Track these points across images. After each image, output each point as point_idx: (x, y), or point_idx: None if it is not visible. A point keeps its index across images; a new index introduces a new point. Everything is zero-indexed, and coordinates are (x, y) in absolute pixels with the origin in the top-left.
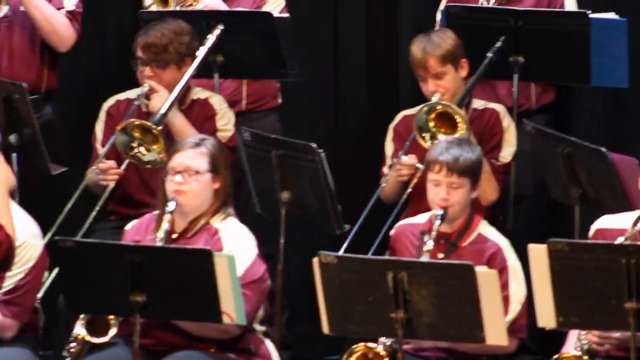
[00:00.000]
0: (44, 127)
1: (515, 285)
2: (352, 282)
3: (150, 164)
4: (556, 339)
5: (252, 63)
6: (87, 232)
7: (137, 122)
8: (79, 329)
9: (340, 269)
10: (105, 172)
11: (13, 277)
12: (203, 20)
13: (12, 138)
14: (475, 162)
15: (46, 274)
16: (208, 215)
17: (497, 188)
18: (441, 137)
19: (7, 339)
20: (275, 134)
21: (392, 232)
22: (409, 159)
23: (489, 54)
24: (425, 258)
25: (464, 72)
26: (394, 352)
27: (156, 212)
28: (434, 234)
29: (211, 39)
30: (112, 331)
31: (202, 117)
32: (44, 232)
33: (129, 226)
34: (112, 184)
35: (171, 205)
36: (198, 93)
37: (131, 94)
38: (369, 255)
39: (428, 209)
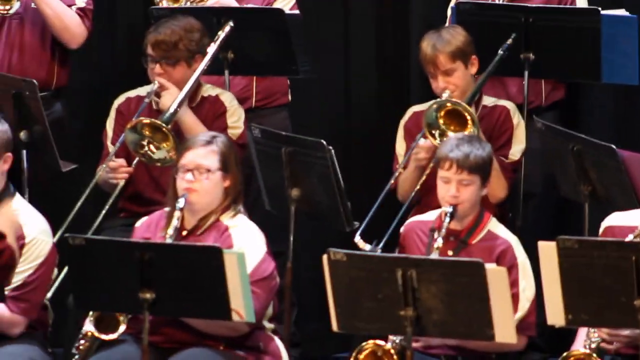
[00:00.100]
0: (54, 124)
1: (524, 282)
2: (362, 279)
3: (160, 162)
4: (565, 336)
5: (263, 60)
6: (97, 230)
7: (147, 120)
8: (88, 326)
9: (349, 266)
10: (115, 171)
11: (22, 273)
12: (213, 17)
13: (23, 135)
14: (486, 159)
15: (55, 272)
16: (218, 213)
17: (506, 186)
18: (450, 134)
19: (15, 335)
20: (285, 131)
21: (401, 230)
22: (427, 142)
23: (500, 52)
24: (434, 255)
25: (473, 69)
26: (403, 350)
27: (166, 209)
28: (443, 231)
29: (221, 35)
30: (121, 328)
31: (212, 114)
32: (54, 229)
33: (139, 223)
34: (122, 182)
35: (181, 202)
36: (208, 90)
37: (142, 91)
38: (379, 253)
39: (438, 206)
